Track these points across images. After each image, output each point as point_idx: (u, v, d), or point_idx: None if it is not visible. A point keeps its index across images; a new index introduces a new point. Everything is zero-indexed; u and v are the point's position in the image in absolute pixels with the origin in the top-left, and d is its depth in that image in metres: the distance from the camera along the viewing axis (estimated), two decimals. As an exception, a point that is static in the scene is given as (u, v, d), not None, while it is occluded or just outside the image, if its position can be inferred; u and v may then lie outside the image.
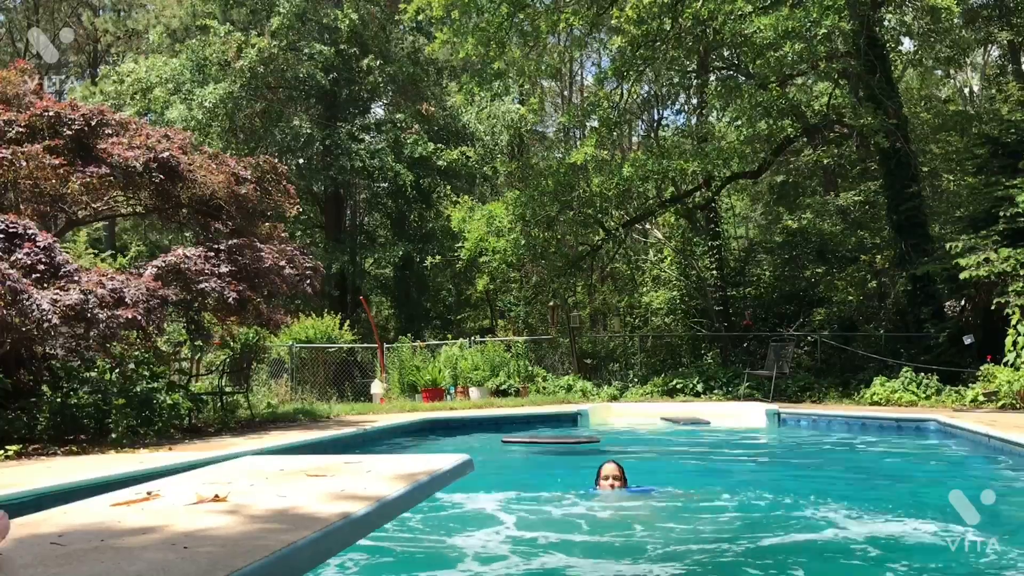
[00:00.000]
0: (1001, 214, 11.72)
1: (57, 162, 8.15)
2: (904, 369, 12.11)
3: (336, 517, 2.21)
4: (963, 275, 11.10)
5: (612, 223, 16.20)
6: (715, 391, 13.50)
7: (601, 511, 5.07)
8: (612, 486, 5.45)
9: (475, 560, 3.90)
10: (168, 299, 7.98)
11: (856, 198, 18.28)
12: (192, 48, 20.59)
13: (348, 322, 16.34)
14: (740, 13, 12.09)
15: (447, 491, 4.66)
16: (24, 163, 7.94)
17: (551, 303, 17.09)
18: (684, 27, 13.32)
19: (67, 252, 8.58)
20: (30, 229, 7.57)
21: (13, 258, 7.17)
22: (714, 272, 16.89)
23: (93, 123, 8.87)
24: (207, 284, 8.35)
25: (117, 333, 7.40)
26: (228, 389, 10.30)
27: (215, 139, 19.90)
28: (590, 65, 31.74)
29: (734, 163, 14.40)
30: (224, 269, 8.63)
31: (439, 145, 21.68)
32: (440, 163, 21.27)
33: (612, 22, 14.55)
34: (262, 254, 9.17)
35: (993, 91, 22.50)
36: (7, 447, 6.81)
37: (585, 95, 27.69)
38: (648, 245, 20.36)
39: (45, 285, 7.21)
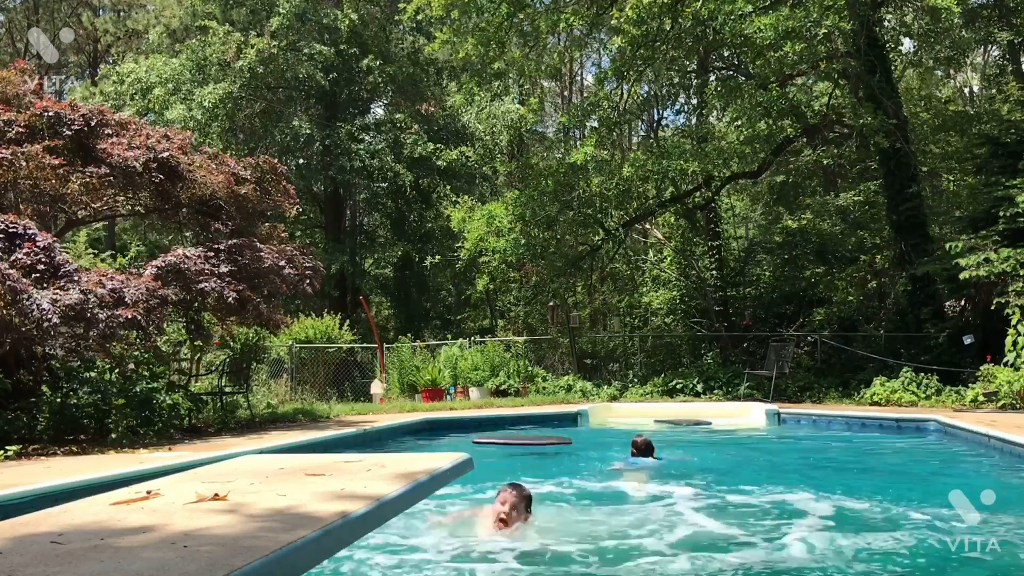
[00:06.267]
0: (1001, 214, 11.72)
1: (57, 162, 8.15)
2: (904, 369, 12.10)
3: (336, 516, 2.21)
4: (963, 275, 11.09)
5: (612, 223, 16.18)
6: (715, 391, 13.50)
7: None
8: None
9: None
10: (168, 299, 7.98)
11: (856, 198, 18.27)
12: (192, 48, 20.59)
13: (348, 322, 16.33)
14: (740, 13, 12.07)
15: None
16: (24, 163, 7.94)
17: (551, 303, 17.09)
18: (684, 27, 13.32)
19: (67, 252, 8.58)
20: (30, 229, 7.57)
21: (13, 258, 7.17)
22: (714, 272, 16.88)
23: (93, 123, 8.87)
24: (207, 284, 8.35)
25: (117, 333, 7.41)
26: (228, 389, 10.29)
27: (215, 139, 19.88)
28: (590, 65, 31.75)
29: (734, 163, 14.38)
30: (224, 269, 8.63)
31: (439, 145, 21.68)
32: (440, 163, 21.26)
33: (612, 22, 14.54)
34: (262, 254, 9.16)
35: (993, 91, 22.48)
36: (7, 447, 6.81)
37: (585, 95, 27.68)
38: (648, 245, 20.35)
39: (45, 285, 7.21)
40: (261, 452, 6.24)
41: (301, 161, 22.50)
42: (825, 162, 17.57)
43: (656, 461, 6.90)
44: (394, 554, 3.88)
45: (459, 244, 17.41)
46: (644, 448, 6.94)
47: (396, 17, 19.74)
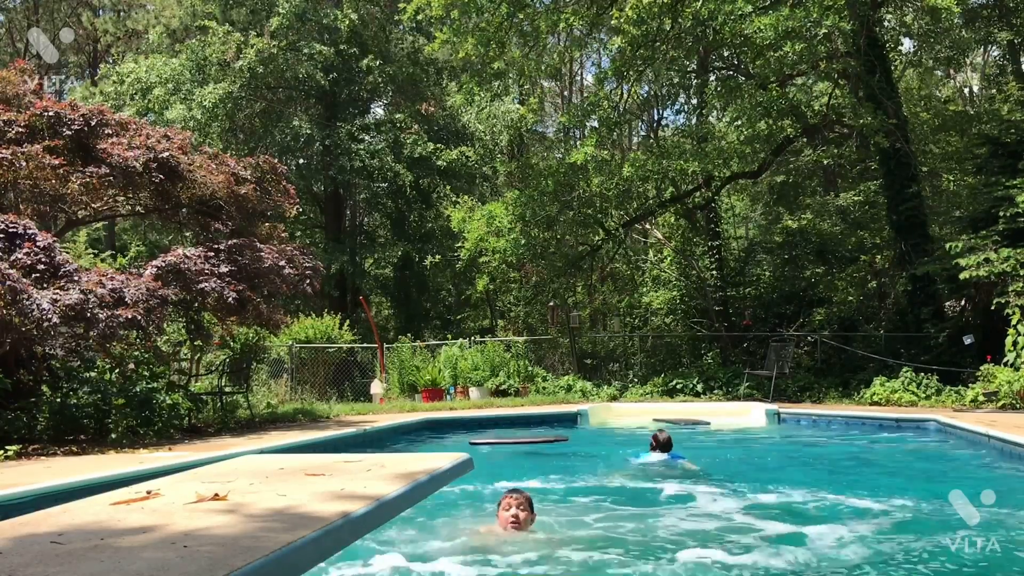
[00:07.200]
0: (1001, 214, 11.72)
1: (57, 162, 8.15)
2: (904, 369, 12.10)
3: (335, 516, 2.21)
4: (963, 275, 11.09)
5: (612, 223, 16.18)
6: (715, 391, 13.50)
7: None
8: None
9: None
10: (168, 299, 7.98)
11: (856, 198, 18.28)
12: (192, 48, 20.59)
13: (348, 322, 16.32)
14: (740, 13, 12.07)
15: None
16: (24, 163, 7.94)
17: (551, 303, 17.09)
18: (684, 27, 13.31)
19: (67, 252, 8.58)
20: (30, 229, 7.57)
21: (13, 258, 7.17)
22: (714, 272, 16.88)
23: (93, 123, 8.87)
24: (207, 284, 8.35)
25: (117, 333, 7.40)
26: (228, 389, 10.29)
27: (215, 139, 19.88)
28: (590, 65, 31.76)
29: (734, 163, 14.38)
30: (224, 269, 8.63)
31: (439, 145, 21.67)
32: (440, 163, 21.26)
33: (612, 22, 14.53)
34: (262, 254, 9.16)
35: (993, 91, 22.49)
36: (7, 447, 6.81)
37: (585, 95, 27.68)
38: (648, 245, 20.35)
39: (45, 285, 7.21)
40: (261, 452, 6.24)
41: (301, 161, 22.49)
42: (825, 162, 17.57)
43: (671, 458, 7.04)
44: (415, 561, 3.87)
45: (459, 244, 17.41)
46: (664, 444, 7.12)
47: (396, 17, 19.75)
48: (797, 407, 11.40)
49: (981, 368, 11.07)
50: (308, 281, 9.70)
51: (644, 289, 18.65)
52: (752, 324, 16.30)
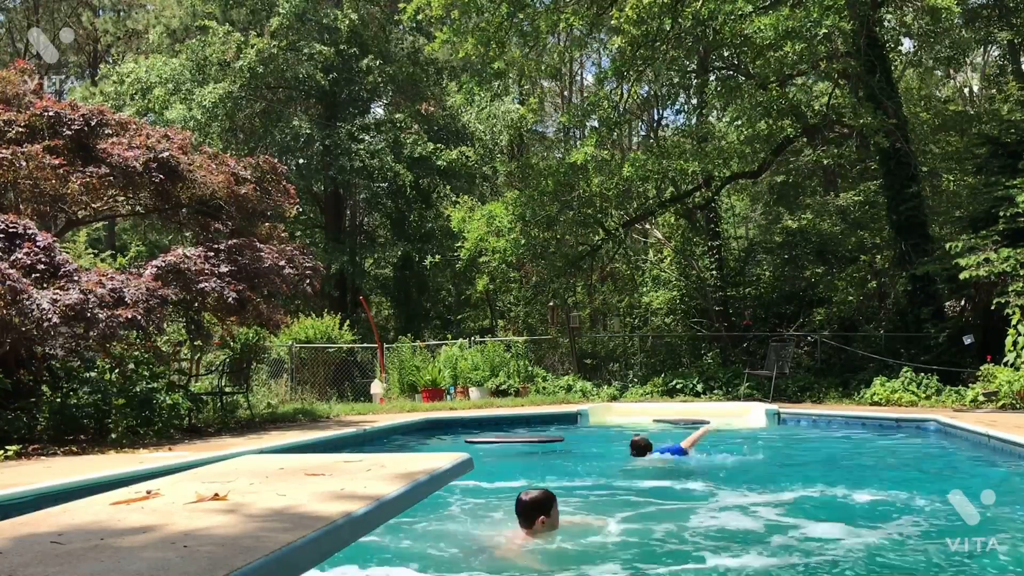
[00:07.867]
0: (1001, 214, 11.71)
1: (57, 162, 8.16)
2: (904, 369, 12.10)
3: (335, 516, 2.21)
4: (963, 275, 11.09)
5: (612, 223, 16.18)
6: (715, 391, 13.50)
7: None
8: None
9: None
10: (168, 299, 7.98)
11: (856, 198, 18.27)
12: (192, 48, 20.59)
13: (348, 322, 16.33)
14: (740, 13, 12.07)
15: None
16: (24, 163, 7.94)
17: (551, 303, 17.09)
18: (684, 27, 13.30)
19: (67, 252, 8.58)
20: (30, 229, 7.57)
21: (13, 258, 7.17)
22: (714, 272, 16.87)
23: (93, 123, 8.87)
24: (207, 284, 8.35)
25: (117, 333, 7.41)
26: (228, 389, 10.29)
27: (215, 139, 19.87)
28: (590, 65, 31.77)
29: (734, 163, 14.38)
30: (224, 269, 8.63)
31: (439, 145, 21.67)
32: (440, 163, 21.26)
33: (612, 22, 14.53)
34: (262, 254, 9.17)
35: (993, 91, 22.49)
36: (7, 447, 6.81)
37: (585, 95, 27.69)
38: (648, 245, 20.34)
39: (45, 285, 7.22)
40: (261, 452, 6.24)
41: (301, 161, 22.49)
42: (825, 162, 17.56)
43: (659, 452, 7.20)
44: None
45: (459, 244, 17.40)
46: (645, 447, 7.27)
47: (396, 17, 19.75)
48: (797, 407, 11.40)
49: (981, 368, 11.07)
50: (308, 281, 9.70)
51: (644, 289, 18.63)
52: (752, 324, 16.30)
